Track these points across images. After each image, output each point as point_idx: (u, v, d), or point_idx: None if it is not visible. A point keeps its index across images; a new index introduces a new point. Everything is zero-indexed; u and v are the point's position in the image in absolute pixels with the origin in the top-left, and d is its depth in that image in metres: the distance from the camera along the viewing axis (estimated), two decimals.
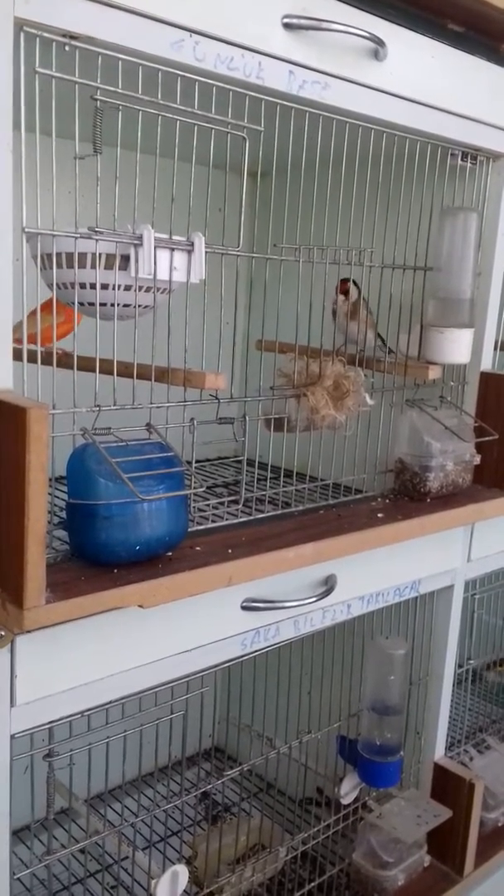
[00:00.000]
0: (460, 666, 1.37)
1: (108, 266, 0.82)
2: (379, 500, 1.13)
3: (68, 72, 0.72)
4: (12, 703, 0.77)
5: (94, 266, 0.81)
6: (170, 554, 0.85)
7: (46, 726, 0.82)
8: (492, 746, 1.48)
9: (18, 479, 0.67)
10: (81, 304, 0.85)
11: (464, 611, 1.32)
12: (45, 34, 0.70)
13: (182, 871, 0.97)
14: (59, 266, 0.82)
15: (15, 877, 0.87)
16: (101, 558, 0.79)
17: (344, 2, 0.89)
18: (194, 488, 0.85)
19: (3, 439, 0.69)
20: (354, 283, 1.14)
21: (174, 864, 0.98)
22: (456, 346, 1.13)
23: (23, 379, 0.74)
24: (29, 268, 0.75)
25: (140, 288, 0.84)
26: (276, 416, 1.04)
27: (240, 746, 1.59)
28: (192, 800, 1.43)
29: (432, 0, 0.96)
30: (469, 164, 1.13)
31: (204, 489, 1.08)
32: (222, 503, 1.00)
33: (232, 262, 0.90)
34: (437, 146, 1.09)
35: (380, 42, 0.92)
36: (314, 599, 1.01)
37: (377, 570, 1.11)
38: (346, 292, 1.14)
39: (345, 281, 1.13)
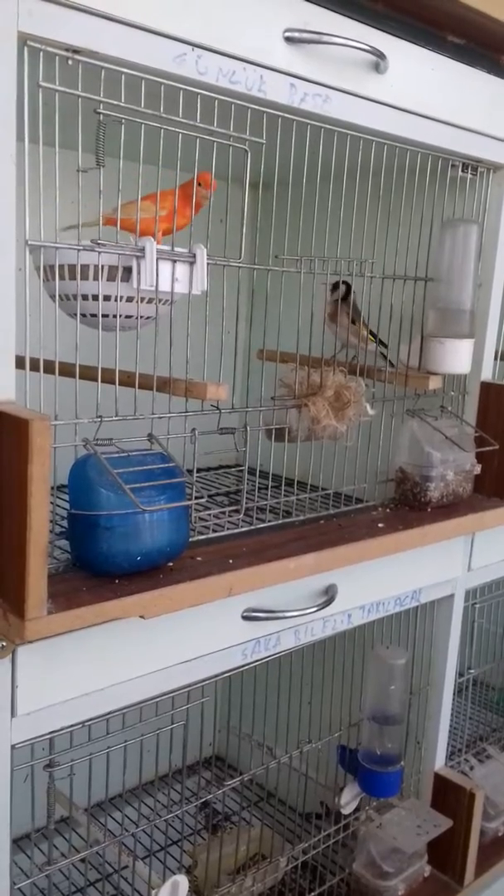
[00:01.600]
0: (461, 675, 1.37)
1: (111, 278, 0.82)
2: (379, 509, 1.13)
3: (71, 85, 0.73)
4: (13, 713, 0.77)
5: (96, 278, 0.82)
6: (171, 564, 0.85)
7: (47, 736, 0.82)
8: (492, 756, 1.48)
9: (20, 491, 0.67)
10: (84, 315, 0.85)
11: (464, 620, 1.32)
12: (49, 48, 0.70)
13: (182, 881, 0.97)
14: (62, 278, 0.83)
15: (15, 886, 0.87)
16: (102, 569, 0.80)
17: (345, 15, 0.90)
18: (195, 499, 0.85)
19: (5, 451, 0.69)
20: (345, 283, 1.14)
21: (174, 873, 0.98)
22: (456, 357, 1.13)
23: (25, 389, 0.75)
24: (31, 278, 0.75)
25: (142, 299, 0.85)
26: (278, 426, 1.04)
27: (240, 756, 1.58)
28: (192, 809, 1.42)
29: (433, 13, 0.96)
30: (469, 176, 1.14)
31: (205, 499, 1.08)
32: (223, 513, 1.01)
33: (233, 273, 0.90)
34: (438, 158, 1.09)
35: (380, 55, 0.92)
36: (315, 609, 1.01)
37: (378, 580, 1.11)
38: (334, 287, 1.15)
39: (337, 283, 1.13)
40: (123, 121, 0.77)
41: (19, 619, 0.69)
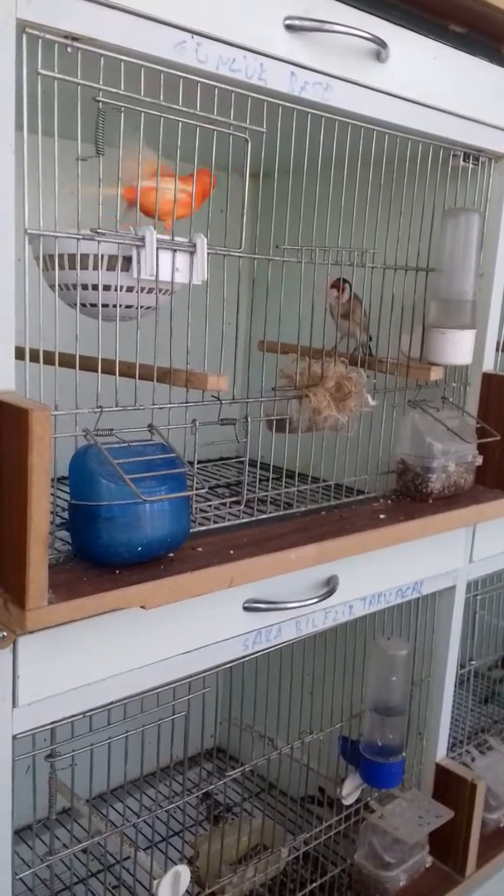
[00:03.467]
0: (462, 666, 1.37)
1: (111, 267, 0.82)
2: (381, 500, 1.13)
3: (70, 73, 0.72)
4: (14, 703, 0.78)
5: (96, 267, 0.81)
6: (171, 555, 0.85)
7: (48, 727, 0.82)
8: (493, 747, 1.48)
9: (21, 481, 0.67)
10: (83, 305, 0.85)
11: (465, 611, 1.32)
12: (48, 36, 0.70)
13: (184, 872, 0.97)
14: (62, 267, 0.82)
15: (17, 877, 0.87)
16: (103, 559, 0.80)
17: (346, 3, 0.89)
18: (196, 489, 0.85)
19: (5, 441, 0.69)
20: (346, 281, 1.14)
21: (176, 864, 0.98)
22: (458, 348, 1.13)
23: (25, 380, 0.74)
24: (31, 268, 0.75)
25: (142, 289, 0.84)
26: (278, 417, 1.04)
27: (241, 747, 1.59)
28: (193, 800, 1.43)
29: (434, 1, 0.96)
30: (471, 165, 1.13)
31: (206, 490, 1.08)
32: (224, 504, 1.00)
33: (234, 262, 0.90)
34: (439, 147, 1.08)
35: (382, 43, 0.92)
36: (316, 600, 1.01)
37: (379, 571, 1.11)
38: (339, 289, 1.15)
39: (338, 281, 1.13)
40: (123, 109, 0.76)
41: (20, 609, 0.69)
